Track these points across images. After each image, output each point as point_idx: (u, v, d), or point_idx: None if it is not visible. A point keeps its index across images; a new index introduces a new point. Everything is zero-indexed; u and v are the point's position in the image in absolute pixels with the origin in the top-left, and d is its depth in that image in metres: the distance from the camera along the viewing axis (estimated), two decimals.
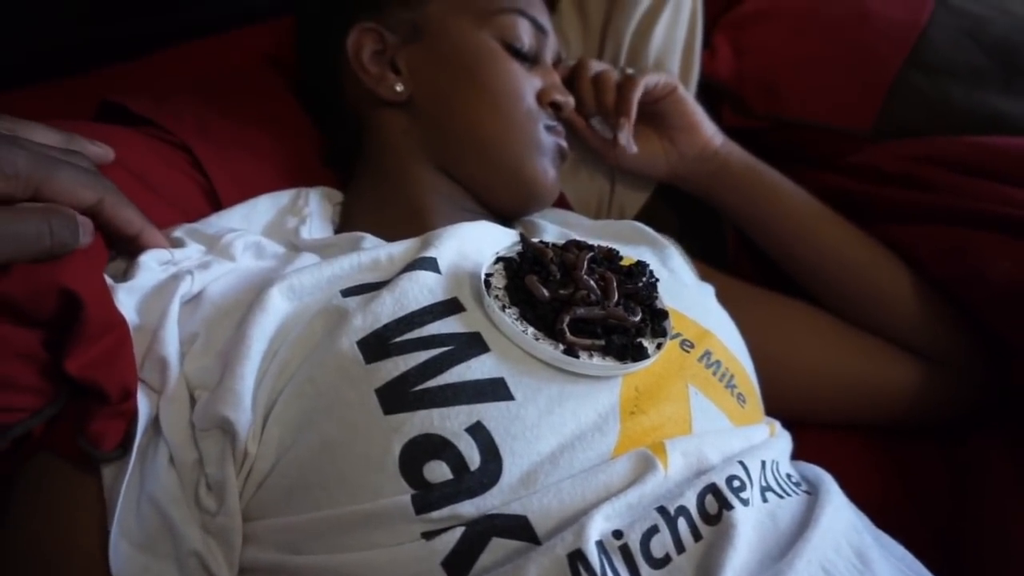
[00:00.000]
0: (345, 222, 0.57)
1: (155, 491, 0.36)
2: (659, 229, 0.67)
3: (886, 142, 0.69)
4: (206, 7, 0.79)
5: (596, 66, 0.64)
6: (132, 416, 0.37)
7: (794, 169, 0.73)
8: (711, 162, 0.65)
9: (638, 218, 0.70)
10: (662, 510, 0.34)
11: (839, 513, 0.38)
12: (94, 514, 0.36)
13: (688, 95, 0.65)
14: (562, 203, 0.68)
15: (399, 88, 0.57)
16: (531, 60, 0.59)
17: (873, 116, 0.70)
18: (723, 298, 0.59)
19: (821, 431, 0.61)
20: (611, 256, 0.45)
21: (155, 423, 0.37)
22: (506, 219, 0.60)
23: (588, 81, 0.62)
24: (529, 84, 0.58)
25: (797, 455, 0.52)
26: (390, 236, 0.50)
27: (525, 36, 0.59)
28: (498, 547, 0.33)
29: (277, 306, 0.40)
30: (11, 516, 0.37)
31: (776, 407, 0.58)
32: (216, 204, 0.54)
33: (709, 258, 0.70)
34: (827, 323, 0.63)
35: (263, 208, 0.54)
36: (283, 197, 0.56)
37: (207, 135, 0.56)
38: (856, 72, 0.72)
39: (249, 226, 0.53)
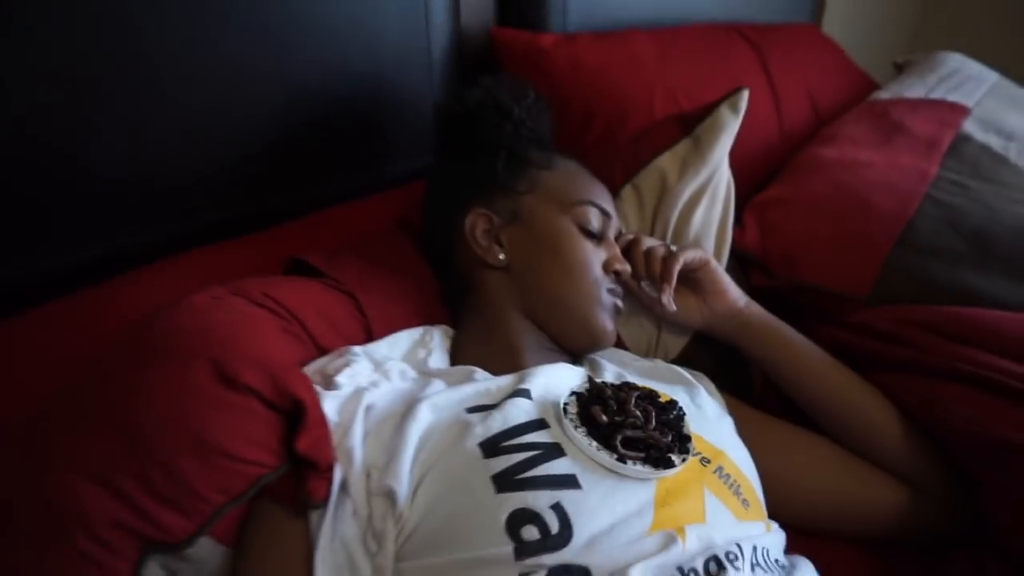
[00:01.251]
0: (456, 353, 0.78)
1: (344, 533, 0.55)
2: (697, 368, 0.86)
3: (879, 307, 0.86)
4: (345, 181, 1.04)
5: (647, 242, 0.84)
6: (330, 483, 0.56)
7: (806, 322, 0.91)
8: (736, 319, 0.84)
9: (679, 359, 0.88)
10: (680, 569, 0.51)
11: None
12: (303, 545, 0.55)
13: (719, 267, 0.84)
14: (620, 344, 0.87)
15: (501, 257, 0.79)
16: (598, 238, 0.80)
17: (870, 285, 0.88)
18: (746, 426, 0.77)
19: (820, 538, 0.76)
20: (651, 395, 0.64)
21: (343, 487, 0.56)
22: (575, 356, 0.79)
23: (641, 254, 0.83)
24: (596, 257, 0.79)
25: (793, 551, 0.67)
26: (491, 367, 0.71)
27: (594, 220, 0.80)
28: None
29: (424, 417, 0.60)
30: (247, 543, 0.56)
31: (783, 515, 0.73)
32: (370, 336, 0.75)
33: (739, 392, 0.88)
34: (829, 450, 0.79)
35: (403, 340, 0.75)
36: (416, 333, 0.77)
37: (365, 285, 0.78)
38: (857, 250, 0.90)
39: (392, 353, 0.74)
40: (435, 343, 0.77)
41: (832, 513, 0.77)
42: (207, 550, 0.54)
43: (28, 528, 0.48)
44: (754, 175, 1.15)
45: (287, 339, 0.65)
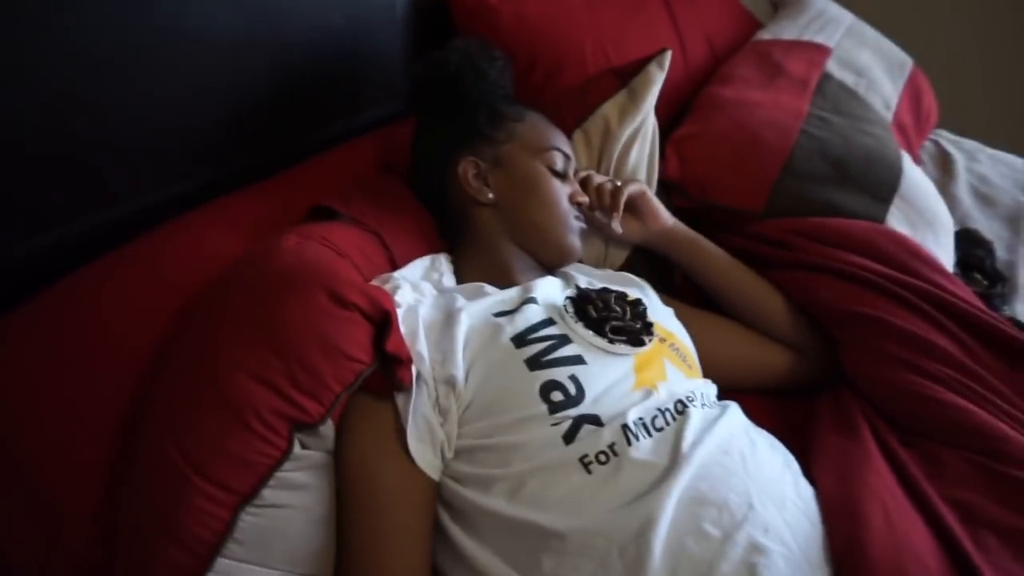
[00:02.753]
0: (460, 274, 0.98)
1: (423, 410, 0.76)
2: (633, 272, 1.11)
3: (770, 220, 1.14)
4: (328, 130, 1.18)
5: (597, 178, 1.06)
6: (411, 372, 0.76)
7: (716, 233, 1.17)
8: (666, 235, 1.08)
9: (623, 267, 1.13)
10: (658, 409, 0.76)
11: (736, 414, 0.81)
12: (391, 421, 0.75)
13: (652, 195, 1.08)
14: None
15: (490, 196, 0.98)
16: (563, 176, 1.02)
17: (763, 203, 1.15)
18: (677, 314, 1.03)
19: (735, 393, 1.04)
20: (623, 295, 0.88)
21: (418, 376, 0.77)
22: (551, 270, 1.02)
23: (593, 189, 1.05)
24: (563, 192, 1.00)
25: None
26: (495, 283, 0.92)
27: (560, 162, 1.01)
28: (586, 428, 0.74)
29: (464, 321, 0.81)
30: (348, 424, 0.76)
31: (708, 378, 1.02)
32: (394, 266, 0.93)
33: (665, 289, 1.14)
34: (735, 329, 1.06)
35: (420, 266, 0.95)
36: (427, 260, 0.97)
37: (383, 224, 0.95)
38: (752, 176, 1.17)
39: (415, 275, 0.93)
40: (443, 267, 0.97)
41: (739, 372, 1.05)
42: (328, 429, 0.74)
43: (216, 413, 0.67)
44: (667, 109, 1.38)
45: (350, 271, 0.83)
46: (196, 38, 0.96)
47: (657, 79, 1.11)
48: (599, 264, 1.13)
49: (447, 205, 1.02)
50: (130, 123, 0.94)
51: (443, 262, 0.98)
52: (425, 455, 0.75)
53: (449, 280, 0.96)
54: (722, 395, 0.91)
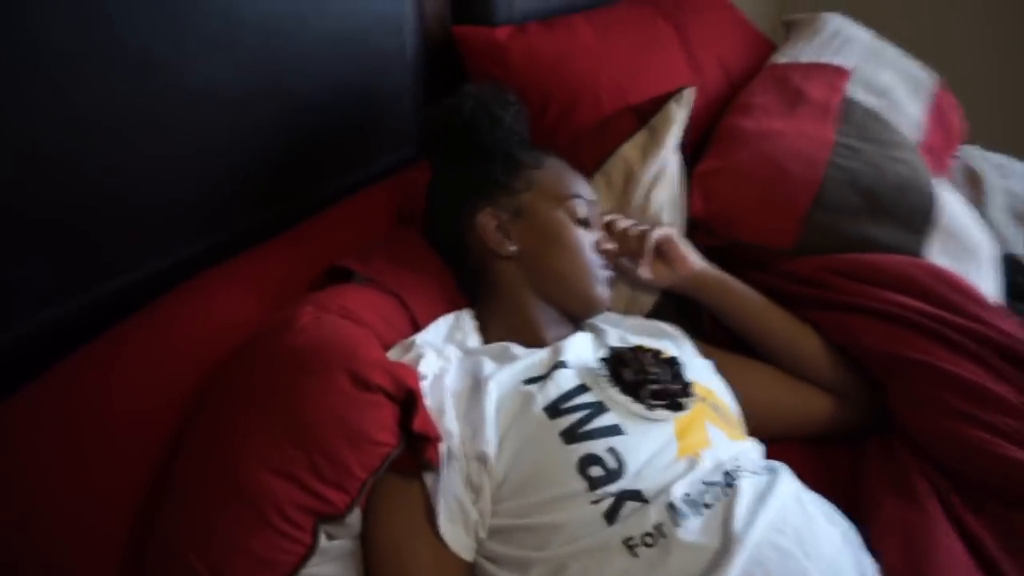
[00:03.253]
0: (485, 332, 0.94)
1: (454, 489, 0.71)
2: (660, 316, 1.07)
3: (801, 257, 1.09)
4: (340, 181, 1.15)
5: (622, 223, 1.02)
6: (439, 451, 0.72)
7: (745, 272, 1.13)
8: (695, 279, 1.04)
9: (651, 312, 1.08)
10: (705, 483, 0.72)
11: (787, 479, 0.76)
12: (420, 502, 0.71)
13: (680, 239, 1.04)
14: None
15: (512, 248, 0.94)
16: (586, 224, 0.98)
17: (792, 239, 1.10)
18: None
19: (775, 443, 0.99)
20: (658, 353, 0.83)
21: (448, 454, 0.73)
22: (579, 322, 0.97)
23: (619, 235, 1.01)
24: (588, 240, 0.96)
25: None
26: (521, 341, 0.88)
27: (582, 210, 0.97)
28: (629, 505, 0.70)
29: (493, 391, 0.77)
30: (375, 508, 0.72)
31: (748, 427, 0.97)
32: (416, 327, 0.89)
33: (695, 335, 1.09)
34: (772, 374, 1.02)
35: (443, 326, 0.91)
36: (450, 318, 0.92)
37: (402, 282, 0.91)
38: (780, 211, 1.12)
39: (438, 338, 0.89)
40: (467, 325, 0.92)
41: (779, 420, 1.00)
42: (355, 516, 0.70)
43: (235, 512, 0.63)
44: (685, 140, 1.34)
45: (374, 343, 0.79)
46: (198, 97, 0.93)
47: (678, 117, 1.07)
48: (627, 310, 1.08)
49: (466, 258, 0.98)
50: (131, 189, 0.90)
51: (467, 320, 0.93)
52: (457, 536, 0.71)
53: (474, 339, 0.91)
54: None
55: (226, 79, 0.95)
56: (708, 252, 1.13)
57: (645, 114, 1.08)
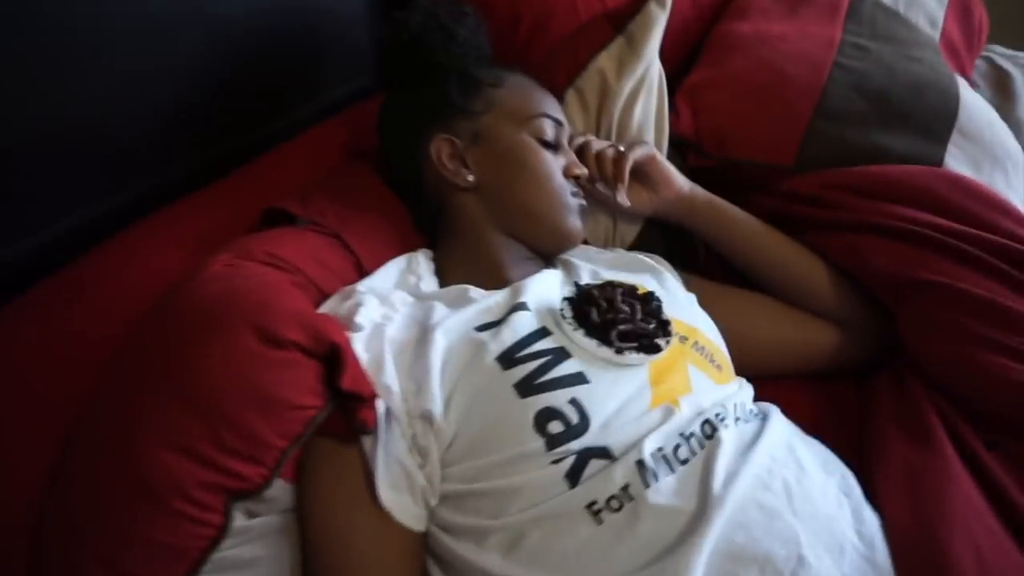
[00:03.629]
0: (443, 274, 0.84)
1: (397, 453, 0.62)
2: (649, 248, 0.96)
3: (803, 174, 0.97)
4: (288, 117, 1.04)
5: (596, 144, 0.91)
6: (375, 410, 0.63)
7: (742, 194, 1.01)
8: (682, 203, 0.92)
9: (635, 244, 0.97)
10: (681, 435, 0.62)
11: (778, 426, 0.67)
12: (360, 469, 0.62)
13: (663, 159, 0.92)
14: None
15: (470, 178, 0.83)
16: (555, 147, 0.86)
17: (793, 155, 0.98)
18: (701, 295, 0.88)
19: (776, 381, 0.90)
20: (632, 289, 0.73)
21: (386, 414, 0.64)
22: (550, 258, 0.87)
23: (592, 158, 0.89)
24: (557, 165, 0.85)
25: (759, 397, 0.81)
26: (482, 283, 0.78)
27: (550, 131, 0.85)
28: (594, 464, 0.61)
29: (439, 342, 0.67)
30: (309, 477, 0.64)
31: (743, 366, 0.87)
32: (362, 272, 0.80)
33: (688, 266, 0.99)
34: (772, 306, 0.91)
35: (393, 270, 0.81)
36: (401, 261, 0.82)
37: (346, 224, 0.82)
38: (779, 122, 1.00)
39: (386, 283, 0.79)
40: (422, 268, 0.83)
41: (779, 357, 0.90)
42: (279, 489, 0.61)
43: (129, 499, 0.54)
44: (676, 52, 1.20)
45: (299, 291, 0.69)
46: (111, 30, 0.82)
47: (658, 20, 0.93)
48: (607, 243, 0.98)
49: (423, 193, 0.87)
50: (44, 136, 0.80)
51: (421, 262, 0.83)
52: (403, 505, 0.63)
53: (429, 283, 0.82)
54: (758, 386, 0.77)
55: (141, 5, 0.84)
56: (697, 175, 1.01)
57: (621, 20, 0.95)
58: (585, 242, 0.96)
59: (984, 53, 1.50)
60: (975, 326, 0.75)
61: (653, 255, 0.93)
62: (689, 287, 0.90)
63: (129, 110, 0.88)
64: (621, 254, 0.90)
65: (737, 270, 0.95)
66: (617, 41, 0.94)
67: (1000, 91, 1.42)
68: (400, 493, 0.63)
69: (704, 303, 0.88)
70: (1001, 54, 1.52)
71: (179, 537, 0.55)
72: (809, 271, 0.90)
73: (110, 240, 0.81)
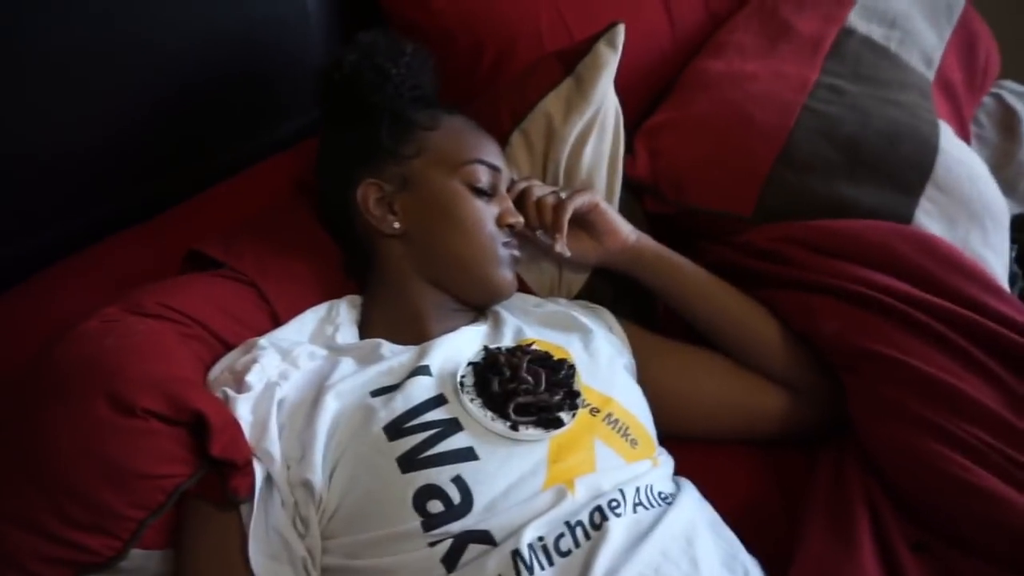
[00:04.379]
0: (365, 323, 0.81)
1: (276, 522, 0.60)
2: (598, 299, 0.91)
3: (761, 225, 0.92)
4: (234, 152, 1.02)
5: (537, 191, 0.86)
6: (252, 477, 0.60)
7: (698, 243, 0.96)
8: (628, 253, 0.88)
9: (582, 293, 0.93)
10: (567, 523, 0.58)
11: (681, 514, 0.62)
12: (237, 537, 0.60)
13: (608, 208, 0.88)
14: (524, 287, 0.91)
15: (396, 225, 0.80)
16: (489, 194, 0.82)
17: (752, 205, 0.93)
18: (645, 350, 0.84)
19: (718, 446, 0.85)
20: (544, 356, 0.69)
21: (267, 480, 0.61)
22: (479, 309, 0.83)
23: (532, 206, 0.85)
24: (488, 214, 0.81)
25: (695, 466, 0.76)
26: (398, 337, 0.75)
27: (483, 178, 0.82)
28: (473, 549, 0.57)
29: (330, 406, 0.64)
30: (185, 543, 0.61)
31: (684, 428, 0.82)
32: (277, 321, 0.77)
33: (643, 316, 0.94)
34: (720, 366, 0.86)
35: (309, 320, 0.78)
36: (321, 310, 0.80)
37: (265, 270, 0.79)
38: (739, 169, 0.95)
39: (300, 335, 0.76)
40: (341, 317, 0.80)
41: (726, 421, 0.85)
42: (139, 559, 0.59)
43: None
44: (649, 89, 1.16)
45: (190, 345, 0.67)
46: (44, 61, 0.81)
47: (608, 62, 0.89)
48: (552, 292, 0.94)
49: (353, 237, 0.84)
50: None
51: (343, 310, 0.80)
52: (279, 575, 0.59)
53: (347, 334, 0.79)
54: (689, 453, 0.72)
55: (80, 38, 0.83)
56: (655, 220, 0.97)
57: (571, 60, 0.91)
58: (528, 290, 0.92)
59: (994, 90, 1.42)
60: (919, 408, 0.69)
61: (596, 307, 0.89)
62: (633, 339, 0.85)
63: (69, 145, 0.87)
64: (557, 309, 0.86)
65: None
66: (566, 82, 0.90)
67: (1005, 131, 1.34)
68: (279, 563, 0.60)
69: (647, 357, 0.84)
70: (1012, 91, 1.44)
71: None
72: (760, 330, 0.85)
73: (24, 282, 0.80)
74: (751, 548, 0.66)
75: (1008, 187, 1.19)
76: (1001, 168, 1.25)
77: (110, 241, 0.87)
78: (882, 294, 0.78)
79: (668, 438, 0.77)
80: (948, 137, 1.00)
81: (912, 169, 0.94)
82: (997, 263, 0.92)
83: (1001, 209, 0.97)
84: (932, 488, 0.64)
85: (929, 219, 0.91)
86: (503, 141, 0.90)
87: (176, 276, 0.79)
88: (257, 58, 1.00)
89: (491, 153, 0.84)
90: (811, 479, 0.75)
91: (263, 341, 0.71)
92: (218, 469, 0.60)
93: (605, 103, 0.92)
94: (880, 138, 0.95)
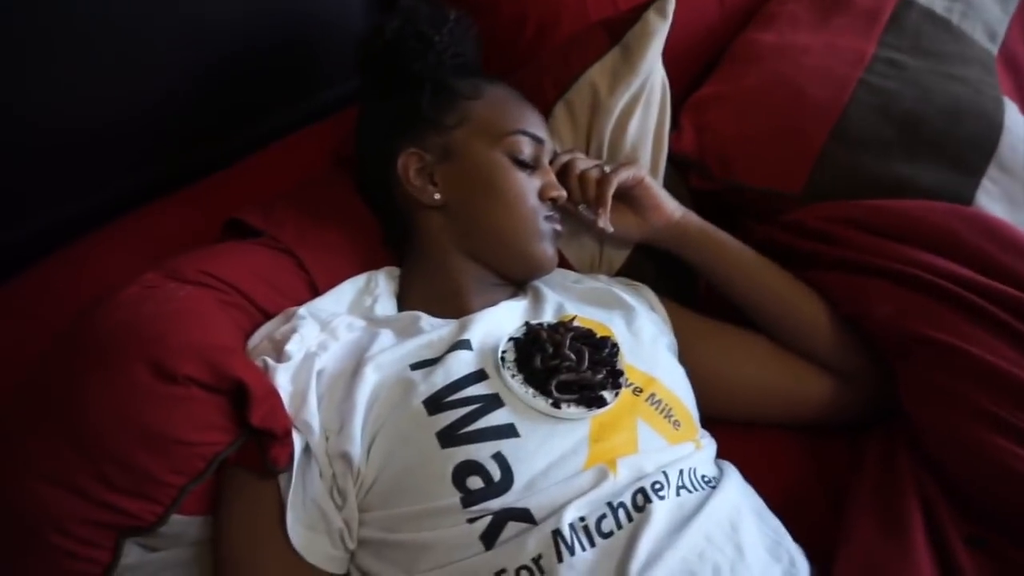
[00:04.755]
0: (403, 295, 0.80)
1: (314, 493, 0.59)
2: (640, 276, 0.89)
3: (811, 204, 0.88)
4: (276, 119, 1.01)
5: (581, 164, 0.84)
6: (291, 447, 0.60)
7: (745, 222, 0.94)
8: (673, 230, 0.85)
9: (623, 270, 0.91)
10: (610, 504, 0.57)
11: (726, 499, 0.60)
12: (276, 506, 0.59)
13: (653, 182, 0.85)
14: (564, 263, 0.90)
15: (437, 196, 0.79)
16: (532, 166, 0.80)
17: (802, 183, 0.90)
18: (687, 331, 0.82)
19: (758, 430, 0.83)
20: (587, 334, 0.67)
21: (306, 450, 0.61)
22: (519, 284, 0.82)
23: (575, 179, 0.83)
24: (531, 186, 0.79)
25: (734, 451, 0.74)
26: (438, 311, 0.74)
27: (526, 149, 0.80)
28: (512, 527, 0.56)
29: (369, 378, 0.63)
30: (224, 511, 0.61)
31: (724, 411, 0.80)
32: (315, 291, 0.77)
33: (684, 295, 0.92)
34: (763, 349, 0.83)
35: (347, 291, 0.77)
36: (360, 280, 0.79)
37: (304, 240, 0.78)
38: (789, 146, 0.91)
39: (339, 305, 0.76)
40: (380, 288, 0.79)
41: (769, 405, 0.83)
42: (180, 525, 0.59)
43: (4, 532, 0.53)
44: (696, 62, 1.12)
45: (229, 313, 0.67)
46: (84, 27, 0.80)
47: (658, 30, 0.86)
48: (593, 268, 0.92)
49: (392, 208, 0.83)
50: (16, 133, 0.80)
51: (381, 282, 0.79)
52: (317, 546, 0.60)
53: (386, 306, 0.78)
54: (730, 437, 0.70)
55: (118, 9, 0.83)
56: (700, 197, 0.94)
57: (618, 29, 0.88)
58: (569, 266, 0.90)
59: None
60: (977, 397, 0.66)
61: (638, 285, 0.86)
62: (674, 319, 0.83)
63: (117, 108, 0.87)
64: (597, 285, 0.84)
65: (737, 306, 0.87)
66: (612, 52, 0.88)
67: None
68: (316, 533, 0.60)
69: (689, 338, 0.82)
70: None
71: (58, 572, 0.53)
72: (807, 313, 0.82)
73: (63, 248, 0.80)
74: (792, 534, 0.64)
75: None
76: None
77: (150, 208, 0.87)
78: (940, 278, 0.75)
79: (709, 420, 0.76)
80: (1012, 115, 0.96)
81: (974, 148, 0.89)
82: None
83: None
84: (991, 481, 0.62)
85: (991, 200, 0.87)
86: (546, 112, 0.88)
87: (215, 244, 0.78)
88: (297, 25, 0.99)
89: (534, 124, 0.82)
90: (858, 468, 0.72)
91: (302, 311, 0.70)
92: (257, 438, 0.59)
93: (652, 75, 0.89)
94: (941, 115, 0.91)
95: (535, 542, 0.54)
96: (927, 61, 1.00)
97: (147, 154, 0.92)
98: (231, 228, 0.82)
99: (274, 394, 0.61)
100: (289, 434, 0.60)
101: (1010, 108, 0.96)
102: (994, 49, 1.11)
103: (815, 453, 0.81)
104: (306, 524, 0.59)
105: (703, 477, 0.63)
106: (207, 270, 0.68)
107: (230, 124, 0.98)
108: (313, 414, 0.61)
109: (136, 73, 0.87)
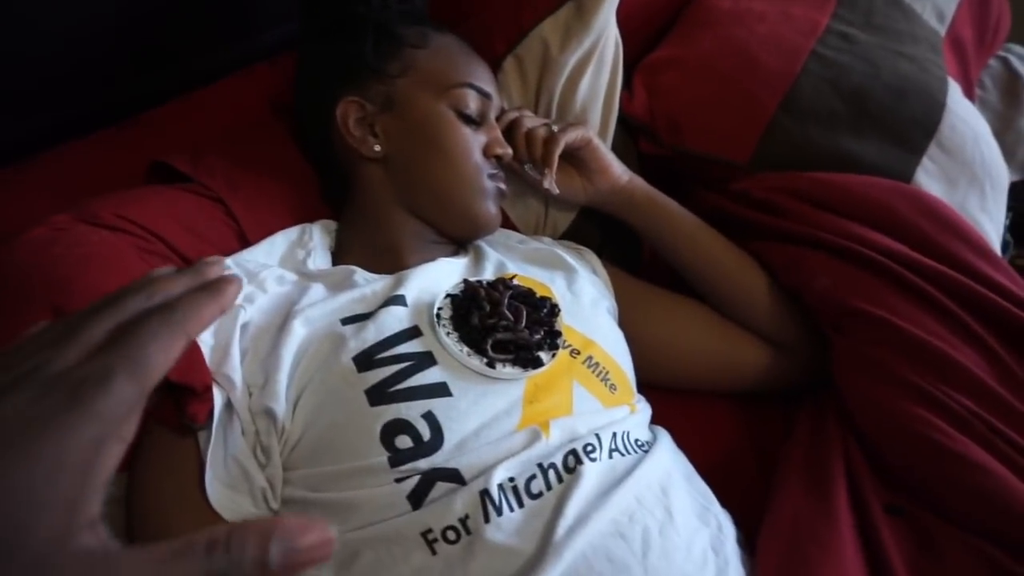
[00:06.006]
0: (339, 250, 0.77)
1: (236, 450, 0.57)
2: (585, 240, 0.88)
3: (758, 174, 0.88)
4: (212, 56, 0.95)
5: (528, 122, 0.82)
6: (211, 403, 0.57)
7: (692, 189, 0.93)
8: (620, 194, 0.84)
9: (567, 233, 0.90)
10: (540, 465, 0.56)
11: (657, 463, 0.60)
12: (195, 464, 0.57)
13: (601, 144, 0.83)
14: (508, 223, 0.88)
15: (377, 148, 0.76)
16: (477, 122, 0.78)
17: (750, 152, 0.89)
18: (629, 297, 0.82)
19: (695, 396, 0.83)
20: (526, 293, 0.65)
21: (228, 406, 0.58)
22: (460, 243, 0.80)
23: (521, 137, 0.80)
24: (476, 142, 0.77)
25: (670, 417, 0.74)
26: (374, 267, 0.71)
27: (472, 103, 0.77)
28: (440, 487, 0.55)
29: (297, 332, 0.61)
30: (140, 468, 0.58)
31: (663, 379, 0.80)
32: (245, 242, 0.73)
33: (628, 261, 0.91)
34: (703, 315, 0.84)
35: (279, 243, 0.74)
36: (292, 233, 0.76)
37: (235, 188, 0.74)
38: (739, 114, 0.90)
39: (269, 258, 0.72)
40: (314, 242, 0.75)
41: (706, 372, 0.83)
42: None
43: None
44: (649, 23, 1.10)
45: (149, 261, 0.63)
46: None
47: None
48: (538, 229, 0.90)
49: (330, 159, 0.80)
50: None
51: (315, 235, 0.76)
52: (237, 506, 0.57)
53: (320, 260, 0.75)
54: (669, 404, 0.70)
55: None
56: (648, 161, 0.93)
57: None
58: (513, 227, 0.88)
59: (1000, 53, 1.38)
60: (905, 371, 0.67)
61: (581, 248, 0.85)
62: (616, 284, 0.82)
63: (38, 40, 0.80)
64: (539, 246, 0.82)
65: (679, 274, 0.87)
66: (566, 7, 0.85)
67: (1008, 97, 1.30)
68: (237, 492, 0.57)
69: (629, 303, 0.81)
70: (1019, 55, 1.40)
71: None
72: (747, 283, 0.83)
73: None
74: (721, 500, 0.65)
75: (1007, 154, 1.16)
76: (1001, 134, 1.21)
77: (67, 148, 0.81)
78: (876, 253, 0.76)
79: (645, 386, 0.75)
80: (955, 96, 0.97)
81: (917, 126, 0.90)
82: (992, 229, 0.90)
83: (1001, 174, 0.94)
84: (911, 452, 0.63)
85: (929, 179, 0.88)
86: (495, 66, 0.85)
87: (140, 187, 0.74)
88: None
89: (482, 78, 0.79)
90: (789, 435, 0.73)
91: (228, 261, 0.67)
92: (175, 394, 0.56)
93: (606, 33, 0.87)
94: (888, 91, 0.91)
95: (463, 502, 0.53)
96: (877, 36, 1.00)
97: (68, 90, 0.86)
98: (156, 173, 0.77)
99: (194, 348, 0.57)
100: (209, 389, 0.57)
101: (954, 89, 0.98)
102: (942, 30, 1.13)
103: (749, 422, 0.82)
104: (226, 483, 0.57)
105: (636, 441, 0.63)
106: (126, 215, 0.63)
107: (161, 61, 0.92)
108: (236, 368, 0.59)
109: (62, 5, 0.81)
